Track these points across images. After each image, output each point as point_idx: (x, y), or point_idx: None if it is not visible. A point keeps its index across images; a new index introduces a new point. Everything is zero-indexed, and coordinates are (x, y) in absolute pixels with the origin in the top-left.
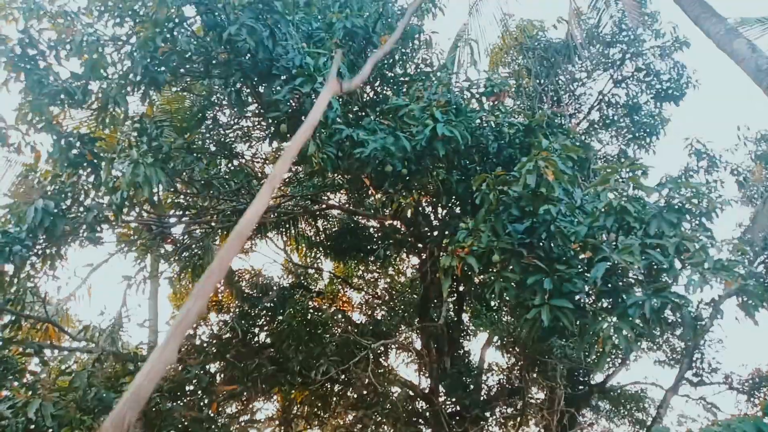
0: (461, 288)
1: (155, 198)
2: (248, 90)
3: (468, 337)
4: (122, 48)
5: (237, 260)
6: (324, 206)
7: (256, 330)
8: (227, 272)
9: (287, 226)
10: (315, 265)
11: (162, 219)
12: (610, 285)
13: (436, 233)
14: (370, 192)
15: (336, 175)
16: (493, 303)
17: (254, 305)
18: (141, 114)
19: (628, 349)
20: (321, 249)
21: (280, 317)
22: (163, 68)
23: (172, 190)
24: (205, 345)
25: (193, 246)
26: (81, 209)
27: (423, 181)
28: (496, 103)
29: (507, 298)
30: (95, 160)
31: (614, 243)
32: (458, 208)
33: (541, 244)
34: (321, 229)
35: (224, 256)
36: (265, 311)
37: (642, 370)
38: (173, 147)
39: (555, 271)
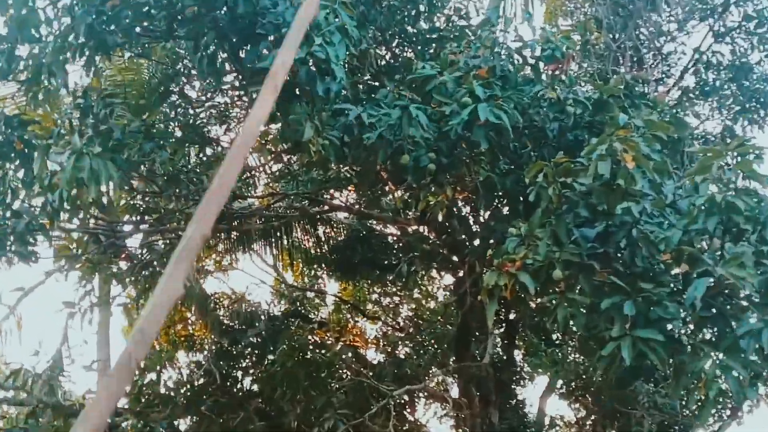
0: (511, 315)
1: (105, 199)
2: (225, 55)
3: (522, 382)
4: (59, 1)
5: (211, 282)
6: (326, 208)
7: (240, 373)
8: (199, 298)
9: (278, 235)
10: (315, 287)
11: (114, 227)
12: (714, 309)
13: (477, 242)
14: (387, 188)
15: (342, 166)
16: (555, 335)
17: (236, 341)
18: (85, 88)
19: (740, 396)
20: (323, 265)
21: (271, 356)
22: (112, 27)
23: (126, 188)
24: (172, 393)
25: (155, 262)
26: (8, 215)
27: (459, 173)
28: (557, 71)
29: (574, 329)
30: (26, 150)
31: (719, 252)
32: (506, 208)
33: (619, 254)
34: (323, 239)
35: (228, 168)
36: (250, 348)
37: (760, 424)
38: (127, 131)
39: (639, 292)
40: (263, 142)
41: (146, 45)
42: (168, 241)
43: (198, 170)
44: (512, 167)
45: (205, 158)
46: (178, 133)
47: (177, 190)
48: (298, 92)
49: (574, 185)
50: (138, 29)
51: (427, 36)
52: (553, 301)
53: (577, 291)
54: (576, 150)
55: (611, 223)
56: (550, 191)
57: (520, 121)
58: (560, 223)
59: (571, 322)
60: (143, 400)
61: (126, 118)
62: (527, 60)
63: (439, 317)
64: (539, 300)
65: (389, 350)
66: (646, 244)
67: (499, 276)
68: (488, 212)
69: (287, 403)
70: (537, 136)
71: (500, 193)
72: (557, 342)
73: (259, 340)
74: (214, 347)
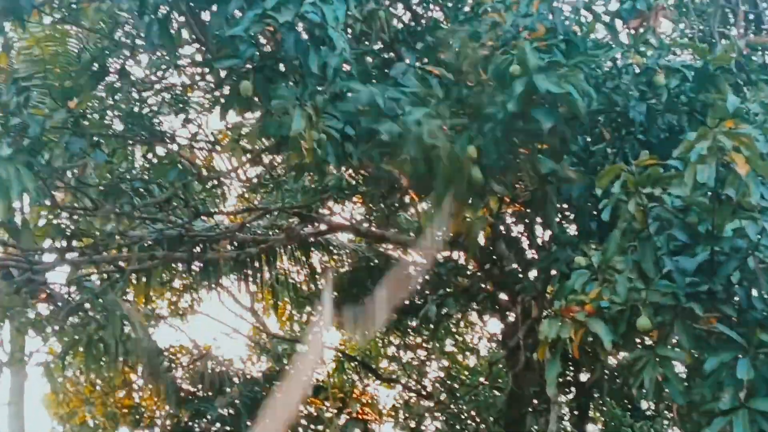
0: (582, 376)
1: (17, 219)
2: (182, 19)
3: None
4: None
5: (165, 331)
6: (323, 228)
7: None
8: (149, 354)
9: (257, 265)
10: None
11: (30, 257)
12: None
13: (533, 274)
14: (406, 199)
15: (345, 169)
16: (644, 404)
17: (200, 413)
18: None
19: None
20: (319, 307)
21: None
22: None
23: (47, 203)
24: None
25: (88, 305)
26: None
27: (505, 177)
28: (640, 28)
29: (669, 396)
30: None
31: None
32: (573, 226)
33: (729, 293)
34: (318, 271)
35: None
36: (219, 424)
37: None
38: (49, 125)
39: (758, 346)
40: (235, 137)
41: (74, 6)
42: (106, 276)
43: (146, 177)
44: (581, 169)
45: (155, 160)
46: (119, 127)
47: (117, 206)
48: (283, 68)
49: (666, 197)
50: None
51: None
52: (639, 359)
53: (671, 344)
54: (671, 144)
55: (718, 249)
56: (632, 206)
57: (594, 97)
58: (646, 250)
59: (665, 388)
60: None
61: (46, 106)
62: (599, 17)
63: (482, 379)
64: (620, 356)
65: (413, 426)
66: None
67: (561, 325)
68: (548, 232)
69: None
70: (617, 124)
71: (565, 205)
72: (648, 413)
73: (231, 412)
74: (168, 422)
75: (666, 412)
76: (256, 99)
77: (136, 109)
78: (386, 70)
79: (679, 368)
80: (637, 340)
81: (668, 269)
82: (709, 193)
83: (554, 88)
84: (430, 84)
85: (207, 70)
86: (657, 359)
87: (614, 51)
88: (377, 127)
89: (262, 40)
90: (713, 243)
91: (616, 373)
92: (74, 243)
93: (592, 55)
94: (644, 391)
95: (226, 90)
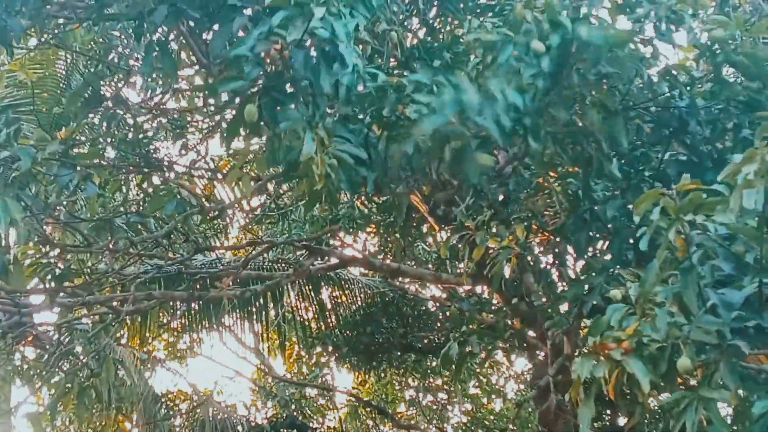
0: (619, 421)
1: (7, 257)
2: (182, 39)
3: None
4: None
5: (163, 375)
6: (335, 261)
7: None
8: (144, 401)
9: (262, 303)
10: (319, 381)
11: (17, 298)
12: None
13: (564, 308)
14: (423, 228)
15: (357, 198)
16: None
17: None
18: None
19: None
20: (330, 348)
21: None
22: (18, 7)
23: (36, 239)
24: None
25: (78, 349)
26: None
27: (531, 202)
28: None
29: None
30: None
31: None
32: (608, 254)
33: None
34: (329, 308)
35: None
36: None
37: None
38: (39, 155)
39: None
40: (240, 166)
41: (64, 28)
42: (98, 318)
43: (141, 210)
44: (617, 191)
45: (151, 190)
46: (112, 155)
47: (111, 242)
48: (291, 90)
49: (709, 225)
50: (52, 8)
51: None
52: (681, 402)
53: (716, 385)
54: (710, 169)
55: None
56: (672, 234)
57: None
58: (688, 282)
59: None
60: None
61: (35, 134)
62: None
63: (510, 424)
64: (661, 398)
65: None
66: None
67: (596, 364)
68: (580, 263)
69: None
70: (662, 124)
71: (599, 231)
72: None
73: None
74: None
75: None
76: (263, 123)
77: (130, 136)
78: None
79: (724, 411)
80: (678, 382)
81: (712, 303)
82: (757, 220)
83: (597, 38)
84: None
85: (207, 94)
86: (700, 401)
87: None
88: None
89: (267, 60)
90: (762, 274)
91: (657, 417)
92: (64, 283)
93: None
94: None
95: (230, 115)
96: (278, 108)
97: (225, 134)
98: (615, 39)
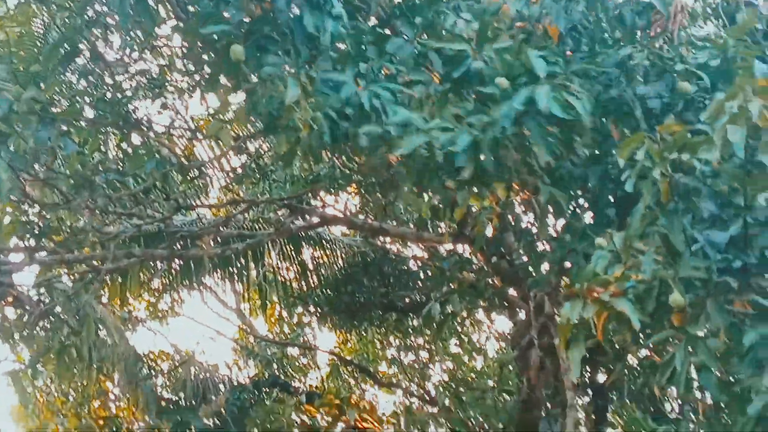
0: (600, 374)
1: None
2: None
3: None
4: None
5: (143, 335)
6: (316, 221)
7: None
8: (126, 361)
9: (243, 262)
10: (301, 341)
11: None
12: None
13: (545, 266)
14: (407, 188)
15: (338, 157)
16: (669, 405)
17: (182, 424)
18: None
19: None
20: (312, 307)
21: None
22: None
23: (14, 198)
24: None
25: (60, 309)
26: None
27: (515, 163)
28: (657, 30)
29: (701, 384)
30: None
31: None
32: (589, 213)
33: (765, 267)
34: (311, 268)
35: None
36: None
37: None
38: (15, 111)
39: None
40: (223, 119)
41: None
42: (78, 277)
43: (120, 168)
44: (596, 152)
45: (131, 150)
46: (90, 113)
47: (90, 199)
48: (275, 35)
49: (694, 164)
50: None
51: None
52: (668, 341)
53: (702, 323)
54: (691, 114)
55: (752, 221)
56: (657, 174)
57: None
58: (674, 223)
59: (699, 376)
60: None
61: (12, 92)
62: (618, 15)
63: (491, 382)
64: (643, 351)
65: None
66: None
67: (584, 305)
68: (561, 221)
69: None
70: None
71: (579, 192)
72: (672, 415)
73: (217, 421)
74: None
75: (691, 414)
76: (245, 68)
77: (108, 95)
78: (383, 46)
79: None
80: (666, 323)
81: (699, 244)
82: (741, 160)
83: (558, 109)
84: (429, 59)
85: (187, 49)
86: (687, 342)
87: (624, 49)
88: (357, 130)
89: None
90: (746, 213)
91: (636, 373)
92: (43, 241)
93: (607, 54)
94: (672, 380)
95: (210, 64)
96: (261, 54)
97: (206, 82)
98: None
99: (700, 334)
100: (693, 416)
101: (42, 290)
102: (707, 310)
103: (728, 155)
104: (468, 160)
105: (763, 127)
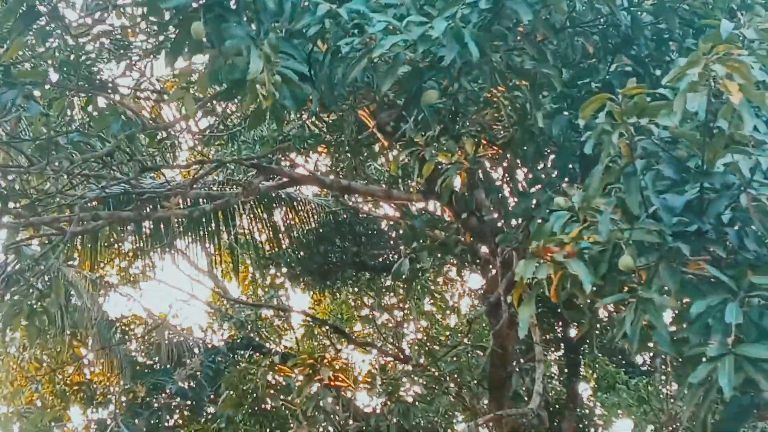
0: (571, 332)
1: None
2: None
3: (591, 429)
4: None
5: (116, 300)
6: (285, 181)
7: None
8: (99, 326)
9: (213, 225)
10: (274, 302)
11: None
12: None
13: (514, 222)
14: (375, 147)
15: (307, 117)
16: (641, 359)
17: (157, 387)
18: None
19: None
20: (284, 268)
21: (212, 408)
22: None
23: None
24: None
25: (27, 274)
26: None
27: (479, 116)
28: None
29: (657, 346)
30: None
31: None
32: (556, 171)
33: (720, 233)
34: (282, 229)
35: None
36: (180, 398)
37: None
38: None
39: (749, 289)
40: (186, 85)
41: None
42: (46, 241)
43: (86, 130)
44: (564, 105)
45: (96, 113)
46: (54, 76)
47: (55, 163)
48: (235, 6)
49: (653, 129)
50: None
51: None
52: (622, 303)
53: (656, 287)
54: (657, 80)
55: (709, 186)
56: (616, 137)
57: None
58: (631, 186)
59: (653, 337)
60: None
61: None
62: None
63: (465, 338)
64: (608, 302)
65: (390, 391)
66: (761, 217)
67: (538, 266)
68: (530, 176)
69: None
70: (601, 37)
71: (547, 146)
72: (644, 368)
73: (192, 384)
74: (124, 398)
75: (662, 366)
76: (206, 40)
77: (72, 57)
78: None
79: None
80: (620, 284)
81: (654, 208)
82: (700, 125)
83: None
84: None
85: (148, 11)
86: (640, 304)
87: None
88: (339, 45)
89: None
90: (703, 179)
91: (607, 327)
92: (9, 205)
93: None
94: (629, 339)
95: (174, 29)
96: (222, 25)
97: (169, 52)
98: None
99: (652, 296)
100: (663, 368)
101: (8, 255)
102: (659, 273)
103: (688, 122)
104: (449, 51)
105: (724, 93)
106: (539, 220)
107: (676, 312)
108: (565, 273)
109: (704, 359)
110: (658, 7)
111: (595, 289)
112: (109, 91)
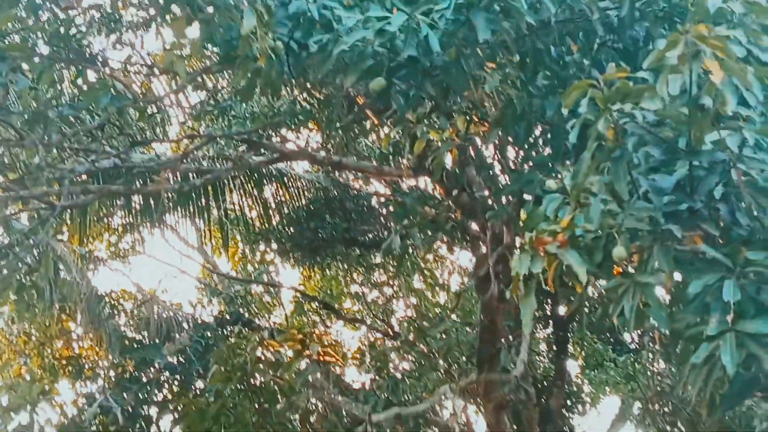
0: (560, 310)
1: None
2: None
3: (579, 406)
4: None
5: (105, 275)
6: (276, 156)
7: (154, 410)
8: (88, 300)
9: (204, 201)
10: (264, 278)
11: None
12: None
13: (504, 199)
14: (366, 124)
15: (299, 92)
16: (628, 336)
17: (146, 362)
18: None
19: None
20: (274, 244)
21: (201, 383)
22: None
23: None
24: None
25: (17, 248)
26: None
27: (471, 93)
28: None
29: (653, 325)
30: None
31: None
32: (547, 147)
33: (712, 211)
34: (272, 205)
35: None
36: (169, 372)
37: None
38: None
39: (745, 265)
40: (179, 53)
41: None
42: (35, 214)
43: (76, 104)
44: (555, 83)
45: (85, 86)
46: (44, 49)
47: (45, 136)
48: None
49: (637, 113)
50: None
51: None
52: (618, 288)
53: (650, 269)
54: (646, 54)
55: (698, 164)
56: (601, 124)
57: (552, 13)
58: (619, 170)
59: (649, 317)
60: None
61: None
62: None
63: (453, 315)
64: (600, 284)
65: (379, 367)
66: (752, 192)
67: (533, 259)
68: (521, 153)
69: None
70: (585, 33)
71: (537, 124)
72: (632, 346)
73: (181, 359)
74: (112, 373)
75: (650, 344)
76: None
77: (61, 30)
78: None
79: (663, 295)
80: (615, 269)
81: (644, 189)
82: (687, 104)
83: None
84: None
85: None
86: (635, 287)
87: None
88: (308, 42)
89: None
90: (692, 157)
91: (596, 305)
92: None
93: None
94: (624, 320)
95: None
96: None
97: (160, 15)
98: None
99: (648, 280)
100: (652, 346)
101: None
102: (653, 255)
103: (673, 102)
104: (409, 46)
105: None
106: (531, 199)
107: (672, 292)
108: (560, 263)
109: (704, 337)
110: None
111: (590, 275)
112: (99, 64)
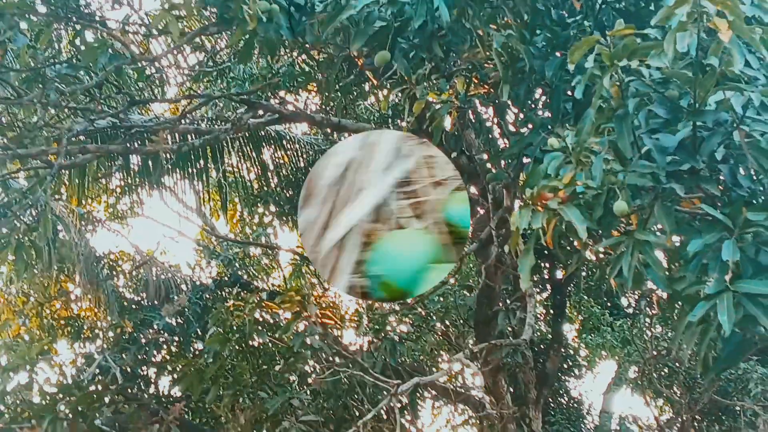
0: (558, 273)
1: None
2: None
3: (576, 370)
4: None
5: (104, 236)
6: (274, 118)
7: (152, 371)
8: (86, 261)
9: (202, 162)
10: (262, 240)
11: None
12: None
13: (504, 162)
14: (366, 85)
15: (297, 54)
16: (625, 300)
17: (145, 323)
18: None
19: None
20: (273, 206)
21: (199, 344)
22: None
23: None
24: (50, 402)
25: (15, 207)
26: None
27: (471, 55)
28: None
29: (650, 285)
30: None
31: None
32: (546, 111)
33: (713, 171)
34: (271, 167)
35: None
36: (167, 333)
37: None
38: None
39: (745, 226)
40: (175, 13)
41: None
42: (34, 174)
43: (73, 62)
44: (555, 44)
45: (84, 46)
46: (42, 8)
47: (43, 95)
48: None
49: (644, 70)
50: None
51: None
52: (618, 247)
53: (651, 228)
54: (645, 16)
55: (701, 124)
56: (607, 81)
57: None
58: (623, 128)
59: (646, 277)
60: (7, 414)
61: None
62: None
63: (452, 278)
64: (599, 248)
65: (377, 329)
66: (754, 153)
67: (533, 214)
68: (520, 115)
69: (225, 410)
70: None
71: (538, 85)
72: (629, 310)
73: (179, 320)
74: (111, 333)
75: (647, 308)
76: None
77: None
78: None
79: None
80: (616, 227)
81: (647, 149)
82: (691, 64)
83: None
84: None
85: None
86: (634, 245)
87: None
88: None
89: None
90: (695, 117)
91: (594, 268)
92: None
93: None
94: (621, 281)
95: None
96: None
97: None
98: None
99: (648, 238)
100: (648, 310)
101: None
102: (654, 214)
103: (678, 61)
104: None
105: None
106: (531, 161)
107: (671, 251)
108: (560, 219)
109: (701, 297)
110: None
111: (590, 233)
112: (97, 25)
